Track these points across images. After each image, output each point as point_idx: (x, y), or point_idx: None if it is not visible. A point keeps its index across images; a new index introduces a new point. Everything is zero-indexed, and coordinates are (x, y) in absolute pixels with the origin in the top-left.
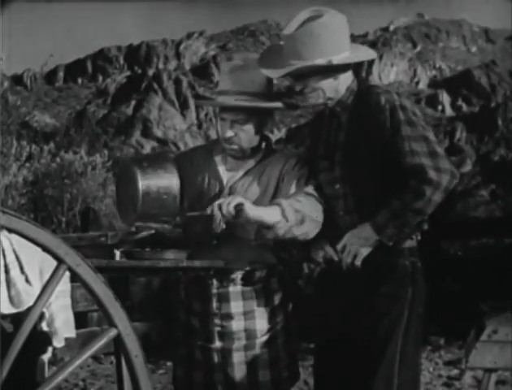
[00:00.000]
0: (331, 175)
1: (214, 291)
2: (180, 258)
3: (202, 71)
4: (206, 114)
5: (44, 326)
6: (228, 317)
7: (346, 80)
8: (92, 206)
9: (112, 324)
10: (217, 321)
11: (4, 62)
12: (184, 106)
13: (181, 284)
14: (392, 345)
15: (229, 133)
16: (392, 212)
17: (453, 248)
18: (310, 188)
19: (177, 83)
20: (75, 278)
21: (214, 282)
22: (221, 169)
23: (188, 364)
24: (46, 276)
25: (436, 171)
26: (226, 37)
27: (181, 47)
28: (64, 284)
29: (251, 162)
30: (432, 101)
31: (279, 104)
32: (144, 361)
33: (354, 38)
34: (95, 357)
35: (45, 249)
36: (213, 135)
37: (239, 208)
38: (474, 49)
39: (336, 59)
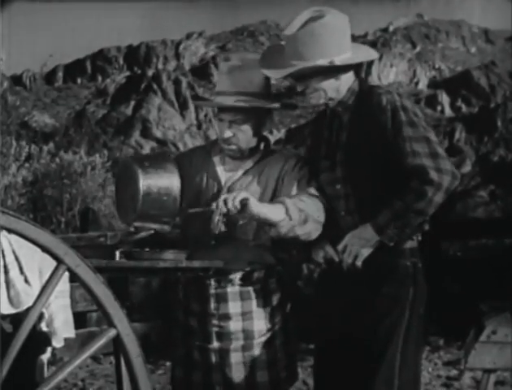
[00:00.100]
0: (333, 176)
1: (213, 291)
2: (179, 259)
3: (202, 71)
4: (206, 115)
5: (43, 326)
6: (226, 317)
7: (348, 80)
8: (91, 207)
9: (111, 324)
10: (215, 321)
11: (4, 62)
12: (183, 107)
13: (180, 285)
14: (392, 346)
15: (227, 134)
16: (394, 213)
17: (453, 248)
18: (312, 189)
19: (176, 83)
20: (74, 278)
21: (213, 282)
22: (219, 169)
23: (186, 364)
24: (45, 276)
25: (437, 172)
26: (225, 38)
27: (181, 47)
28: (63, 285)
29: (249, 163)
30: (432, 102)
31: (277, 104)
32: (143, 361)
33: (354, 38)
34: (94, 358)
35: (45, 249)
36: (212, 135)
37: (244, 202)
38: (473, 49)
39: (338, 60)
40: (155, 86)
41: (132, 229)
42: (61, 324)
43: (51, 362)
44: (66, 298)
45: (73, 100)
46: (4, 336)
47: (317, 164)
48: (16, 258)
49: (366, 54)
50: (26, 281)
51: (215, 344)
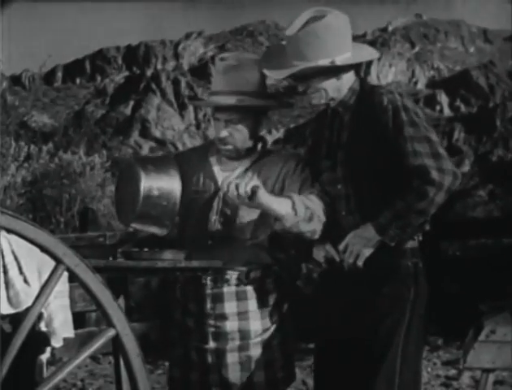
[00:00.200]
0: (334, 175)
1: (209, 291)
2: (178, 259)
3: (201, 71)
4: (205, 115)
5: (42, 326)
6: (222, 317)
7: (348, 80)
8: (90, 207)
9: (110, 324)
10: (211, 321)
11: (3, 62)
12: (182, 107)
13: (178, 284)
14: (393, 346)
15: (223, 133)
16: (395, 213)
17: (452, 248)
18: (315, 191)
19: (176, 83)
20: (73, 278)
21: (209, 282)
22: (216, 169)
23: (183, 365)
24: (45, 276)
25: (438, 172)
26: (224, 38)
27: (180, 47)
28: (62, 285)
29: (246, 163)
30: (430, 102)
31: (272, 102)
32: (142, 361)
33: (353, 38)
34: (93, 357)
35: (44, 249)
36: (211, 135)
37: (254, 190)
38: (472, 49)
39: (339, 60)
40: (154, 86)
41: (131, 230)
42: (60, 324)
43: (50, 362)
44: (65, 298)
45: (72, 100)
46: (3, 336)
47: (318, 164)
48: (15, 258)
49: (367, 53)
50: (25, 281)
51: (212, 345)
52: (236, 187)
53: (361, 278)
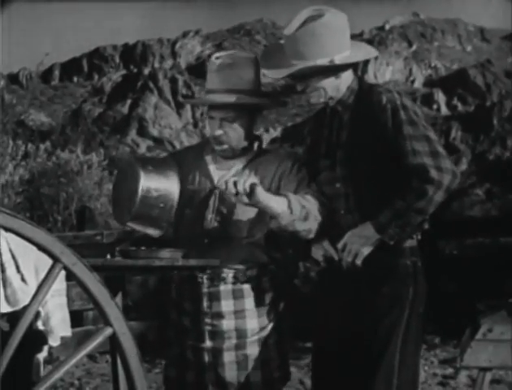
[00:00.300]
0: (332, 175)
1: (205, 290)
2: (175, 257)
3: (198, 69)
4: (202, 113)
5: (40, 324)
6: (219, 316)
7: (347, 78)
8: (88, 205)
9: (108, 323)
10: (208, 320)
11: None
12: (179, 105)
13: (173, 284)
14: (392, 345)
15: (218, 132)
16: (395, 212)
17: (449, 247)
18: (311, 191)
19: (173, 82)
20: (70, 277)
21: (205, 281)
22: (212, 168)
23: (179, 364)
24: (42, 275)
25: (437, 171)
26: (222, 36)
27: (177, 46)
28: (60, 283)
29: (242, 162)
30: (428, 101)
31: (267, 101)
32: (139, 360)
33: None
34: (90, 356)
35: (41, 247)
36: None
37: (253, 187)
38: (469, 48)
39: (338, 59)
40: (151, 85)
41: (128, 229)
42: (57, 323)
43: (48, 361)
44: (62, 297)
45: (69, 98)
46: (1, 335)
47: (316, 163)
48: (13, 257)
49: (366, 52)
50: (23, 280)
51: (208, 343)
52: (235, 184)
53: (360, 277)
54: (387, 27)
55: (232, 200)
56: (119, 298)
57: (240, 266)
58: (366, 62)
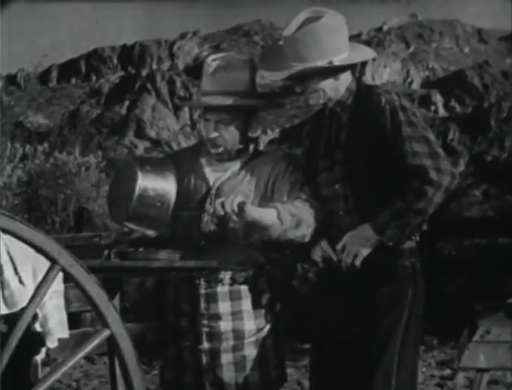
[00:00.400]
0: (331, 176)
1: (203, 291)
2: (173, 259)
3: (196, 71)
4: (200, 115)
5: (37, 326)
6: (216, 317)
7: (346, 80)
8: (85, 207)
9: (105, 325)
10: (205, 321)
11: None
12: (177, 107)
13: (170, 285)
14: (391, 346)
15: (213, 134)
16: (394, 212)
17: (447, 248)
18: (303, 195)
19: (171, 83)
20: (68, 278)
21: (203, 282)
22: (207, 170)
23: (177, 366)
24: (40, 277)
25: (436, 172)
26: (220, 37)
27: (175, 47)
28: (57, 285)
29: (238, 164)
30: (425, 102)
31: (263, 103)
32: (137, 361)
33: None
34: (88, 358)
35: (39, 249)
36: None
37: (241, 206)
38: (467, 49)
39: (337, 60)
40: (149, 86)
41: (126, 229)
42: (55, 324)
43: (45, 363)
44: (60, 298)
45: (67, 100)
46: None
47: (315, 164)
48: (11, 259)
49: (364, 53)
50: (20, 281)
51: (206, 345)
52: (222, 205)
53: (359, 278)
54: (384, 28)
55: (224, 220)
56: (116, 300)
57: (238, 268)
58: (364, 64)
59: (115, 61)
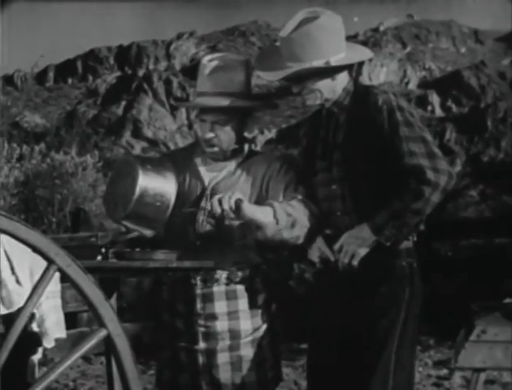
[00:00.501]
0: (329, 176)
1: (199, 291)
2: (170, 259)
3: (193, 71)
4: (197, 115)
5: (34, 326)
6: (212, 317)
7: (343, 80)
8: (82, 207)
9: (102, 325)
10: (201, 322)
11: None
12: (174, 107)
13: (164, 286)
14: (388, 346)
15: (209, 135)
16: (391, 213)
17: (444, 248)
18: (299, 195)
19: (167, 83)
20: (65, 278)
21: (199, 282)
22: (202, 170)
23: (172, 366)
24: (37, 277)
25: (433, 172)
26: (216, 38)
27: (171, 48)
28: (54, 285)
29: (232, 164)
30: (422, 102)
31: (258, 103)
32: (134, 361)
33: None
34: (85, 358)
35: (36, 249)
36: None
37: (238, 203)
38: (463, 49)
39: (334, 60)
40: (146, 86)
41: (123, 229)
42: (52, 325)
43: (42, 363)
44: (57, 299)
45: (64, 100)
46: None
47: (312, 165)
48: (8, 259)
49: (361, 53)
50: (17, 282)
51: (202, 345)
52: (220, 202)
53: (356, 278)
54: (381, 28)
55: (220, 218)
56: (113, 300)
57: (233, 267)
58: (361, 64)
59: (112, 61)
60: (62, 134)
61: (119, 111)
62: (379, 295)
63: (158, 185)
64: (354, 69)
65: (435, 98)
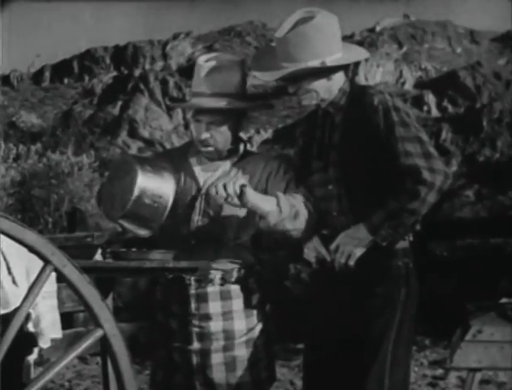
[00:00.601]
0: (325, 176)
1: (193, 291)
2: (166, 259)
3: (189, 71)
4: (192, 116)
5: (30, 326)
6: (207, 317)
7: (339, 80)
8: (78, 207)
9: (98, 325)
10: (195, 322)
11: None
12: (170, 107)
13: (158, 286)
14: (384, 346)
15: (205, 135)
16: (388, 213)
17: (439, 248)
18: (300, 194)
19: (164, 83)
20: (61, 278)
21: (193, 282)
22: (197, 170)
23: (167, 367)
24: (33, 277)
25: (429, 172)
26: (212, 38)
27: (168, 48)
28: (51, 285)
29: (227, 163)
30: (418, 102)
31: (254, 104)
32: (130, 362)
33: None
34: (81, 358)
35: (32, 249)
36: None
37: (243, 188)
38: (459, 50)
39: (330, 61)
40: (142, 86)
41: (119, 229)
42: (48, 325)
43: (38, 363)
44: (53, 299)
45: (60, 100)
46: None
47: (308, 165)
48: (4, 259)
49: (357, 53)
50: (13, 282)
51: (196, 345)
52: (224, 187)
53: (352, 278)
54: (377, 28)
55: (222, 203)
56: (109, 300)
57: (228, 268)
58: (357, 64)
59: (108, 61)
60: (58, 134)
61: (115, 111)
62: (376, 295)
63: (157, 186)
64: (350, 69)
65: (431, 98)
